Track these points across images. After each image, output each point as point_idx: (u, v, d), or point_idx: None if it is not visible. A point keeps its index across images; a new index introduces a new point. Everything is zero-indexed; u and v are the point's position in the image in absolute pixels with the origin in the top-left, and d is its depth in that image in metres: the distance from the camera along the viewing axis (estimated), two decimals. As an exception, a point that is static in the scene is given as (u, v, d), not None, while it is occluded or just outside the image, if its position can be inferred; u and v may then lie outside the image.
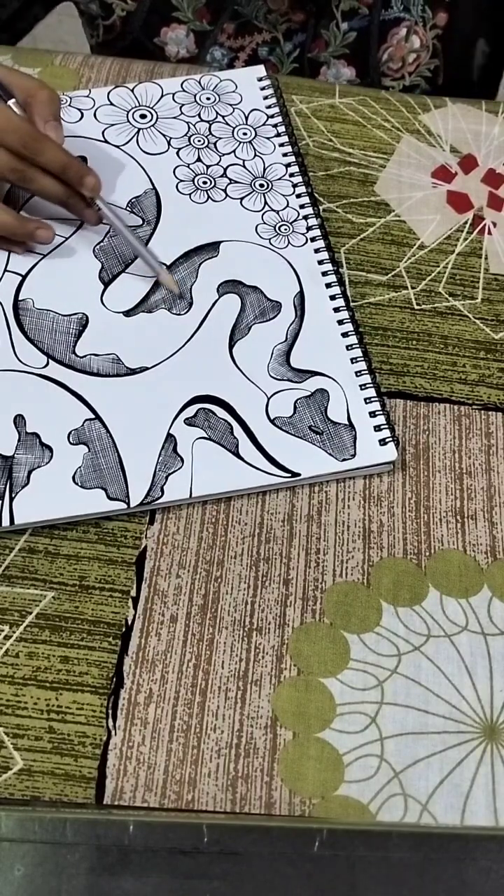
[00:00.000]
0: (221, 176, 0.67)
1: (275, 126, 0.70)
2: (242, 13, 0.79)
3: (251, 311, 0.61)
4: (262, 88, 0.72)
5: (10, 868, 0.42)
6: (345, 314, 0.61)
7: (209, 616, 0.52)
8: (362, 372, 0.58)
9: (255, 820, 0.46)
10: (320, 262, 0.63)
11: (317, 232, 0.64)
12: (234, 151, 0.69)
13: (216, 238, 0.64)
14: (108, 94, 0.71)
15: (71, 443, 0.55)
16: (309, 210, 0.66)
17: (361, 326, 0.62)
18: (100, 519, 0.54)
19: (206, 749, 0.48)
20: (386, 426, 0.57)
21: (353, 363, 0.59)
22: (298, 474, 0.55)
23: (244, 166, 0.68)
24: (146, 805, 0.46)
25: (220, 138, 0.69)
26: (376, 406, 0.57)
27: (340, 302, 0.61)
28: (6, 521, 0.52)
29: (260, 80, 0.73)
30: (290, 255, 0.63)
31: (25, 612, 0.51)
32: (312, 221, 0.65)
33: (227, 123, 0.70)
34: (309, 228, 0.65)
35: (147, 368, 0.58)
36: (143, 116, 0.70)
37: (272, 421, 0.57)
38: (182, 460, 0.55)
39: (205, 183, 0.67)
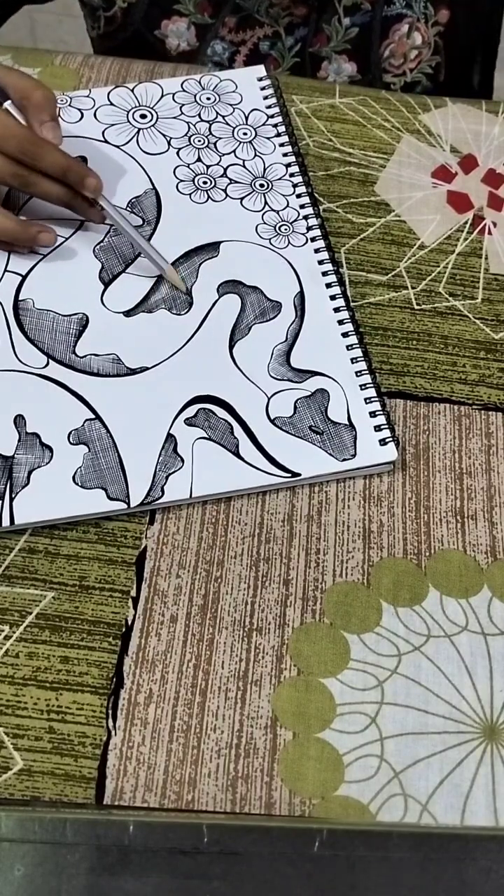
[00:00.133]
0: (221, 176, 0.67)
1: (275, 126, 0.70)
2: (244, 7, 0.79)
3: (251, 311, 0.61)
4: (263, 88, 0.72)
5: (10, 868, 0.42)
6: (345, 314, 0.61)
7: (209, 616, 0.52)
8: (362, 372, 0.58)
9: (255, 820, 0.46)
10: (320, 262, 0.63)
11: (317, 232, 0.64)
12: (234, 151, 0.69)
13: (216, 238, 0.64)
14: (108, 94, 0.71)
15: (71, 443, 0.55)
16: (309, 210, 0.66)
17: (361, 326, 0.62)
18: (100, 519, 0.54)
19: (206, 749, 0.48)
20: (386, 426, 0.57)
21: (353, 363, 0.59)
22: (298, 474, 0.55)
23: (244, 166, 0.68)
24: (146, 805, 0.46)
25: (220, 138, 0.69)
26: (376, 406, 0.57)
27: (340, 302, 0.61)
28: (6, 521, 0.52)
29: (260, 80, 0.73)
30: (291, 255, 0.63)
31: (25, 612, 0.51)
32: (312, 221, 0.65)
33: (228, 123, 0.70)
34: (309, 228, 0.65)
35: (147, 368, 0.58)
36: (143, 116, 0.70)
37: (272, 421, 0.57)
38: (182, 460, 0.55)
39: (205, 183, 0.67)
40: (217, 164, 0.68)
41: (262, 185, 0.67)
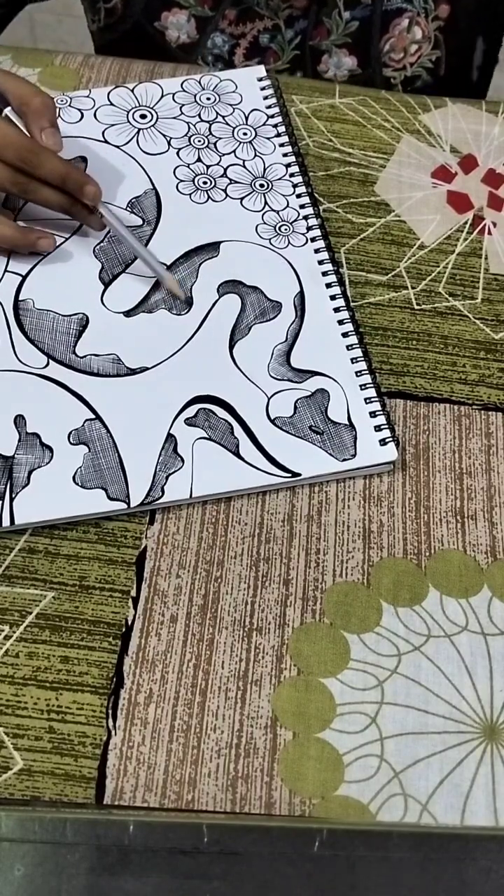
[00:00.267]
0: (221, 176, 0.67)
1: (275, 126, 0.70)
2: None
3: (251, 311, 0.61)
4: (263, 88, 0.72)
5: (10, 868, 0.42)
6: (345, 314, 0.61)
7: (209, 616, 0.52)
8: (362, 372, 0.58)
9: (255, 820, 0.46)
10: (320, 262, 0.63)
11: (317, 232, 0.64)
12: (234, 151, 0.69)
13: (216, 238, 0.64)
14: (108, 94, 0.71)
15: (71, 443, 0.55)
16: (309, 210, 0.66)
17: (361, 326, 0.62)
18: (100, 519, 0.54)
19: (206, 749, 0.48)
20: (386, 426, 0.57)
21: (353, 363, 0.59)
22: (299, 474, 0.55)
23: (244, 166, 0.68)
24: (146, 805, 0.46)
25: (220, 138, 0.69)
26: (376, 406, 0.57)
27: (340, 302, 0.61)
28: (6, 521, 0.52)
29: (260, 80, 0.73)
30: (291, 255, 0.63)
31: (25, 612, 0.51)
32: (312, 221, 0.65)
33: (228, 123, 0.70)
34: (309, 228, 0.65)
35: (147, 368, 0.58)
36: (143, 116, 0.70)
37: (272, 421, 0.57)
38: (182, 460, 0.55)
39: (205, 183, 0.67)
40: (217, 164, 0.68)
41: (262, 186, 0.67)
